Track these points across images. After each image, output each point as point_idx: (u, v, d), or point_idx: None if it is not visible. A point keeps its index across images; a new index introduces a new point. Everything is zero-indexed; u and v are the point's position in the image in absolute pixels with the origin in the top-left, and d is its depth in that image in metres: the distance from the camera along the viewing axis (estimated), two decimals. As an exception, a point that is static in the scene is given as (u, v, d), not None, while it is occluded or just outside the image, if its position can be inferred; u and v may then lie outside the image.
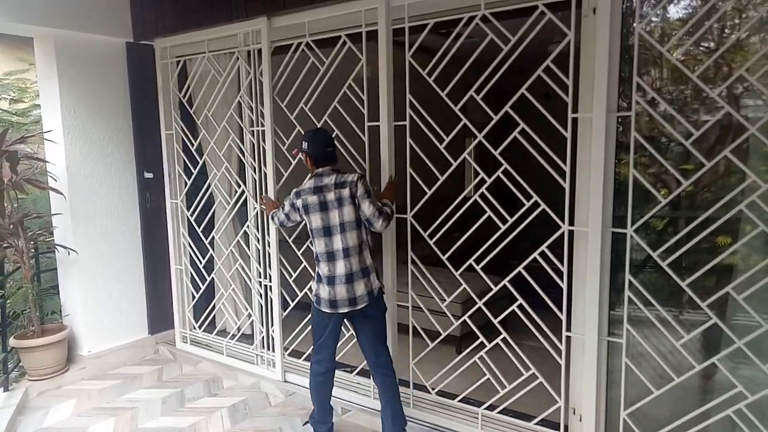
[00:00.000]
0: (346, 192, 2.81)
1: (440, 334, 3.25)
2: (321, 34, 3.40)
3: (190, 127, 4.31)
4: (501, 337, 3.01)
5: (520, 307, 2.91)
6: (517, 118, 2.81)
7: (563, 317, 2.76)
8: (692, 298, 2.39)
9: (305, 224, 2.98)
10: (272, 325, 3.93)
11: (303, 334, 3.71)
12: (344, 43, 3.30)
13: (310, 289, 3.07)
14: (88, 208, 4.25)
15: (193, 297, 4.51)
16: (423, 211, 3.21)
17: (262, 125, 3.76)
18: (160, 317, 4.67)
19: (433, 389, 3.29)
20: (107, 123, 4.33)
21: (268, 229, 3.85)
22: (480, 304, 3.04)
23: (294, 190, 2.99)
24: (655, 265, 2.48)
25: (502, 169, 2.92)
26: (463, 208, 3.14)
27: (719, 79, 2.36)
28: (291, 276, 3.77)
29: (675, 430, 2.53)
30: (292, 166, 3.59)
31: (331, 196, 2.83)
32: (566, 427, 2.86)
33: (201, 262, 4.33)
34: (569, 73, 2.59)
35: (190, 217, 4.37)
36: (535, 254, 2.81)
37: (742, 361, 2.35)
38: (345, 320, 3.00)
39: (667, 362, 2.52)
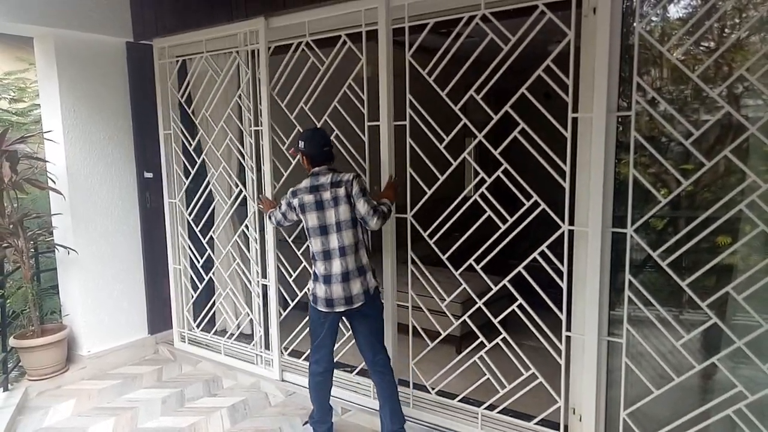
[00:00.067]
0: (341, 191, 2.81)
1: (440, 334, 3.25)
2: (321, 33, 3.40)
3: (189, 128, 4.31)
4: (501, 337, 3.01)
5: (520, 307, 2.91)
6: (517, 117, 2.81)
7: (563, 317, 2.76)
8: (692, 297, 2.39)
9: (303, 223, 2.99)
10: (270, 324, 3.93)
11: (302, 335, 3.71)
12: (344, 42, 3.30)
13: (308, 288, 3.07)
14: (88, 208, 4.25)
15: (192, 297, 4.52)
16: (423, 211, 3.21)
17: (261, 125, 3.76)
18: (160, 317, 4.67)
19: (433, 389, 3.29)
20: (107, 123, 4.33)
21: (265, 228, 3.85)
22: (480, 304, 3.04)
23: (291, 189, 2.99)
24: (655, 264, 2.48)
25: (502, 168, 2.92)
26: (463, 208, 3.14)
27: (719, 78, 2.36)
28: (291, 276, 3.77)
29: (675, 430, 2.53)
30: (291, 166, 3.59)
31: (327, 195, 2.84)
32: (566, 427, 2.86)
33: (199, 262, 4.34)
34: (569, 73, 2.59)
35: (188, 217, 4.37)
36: (535, 254, 2.81)
37: (742, 360, 2.35)
38: (343, 319, 3.00)
39: (667, 362, 2.52)
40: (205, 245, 4.29)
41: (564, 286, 2.74)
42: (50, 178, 4.10)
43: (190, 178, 4.33)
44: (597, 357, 2.68)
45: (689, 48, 2.42)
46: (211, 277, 4.33)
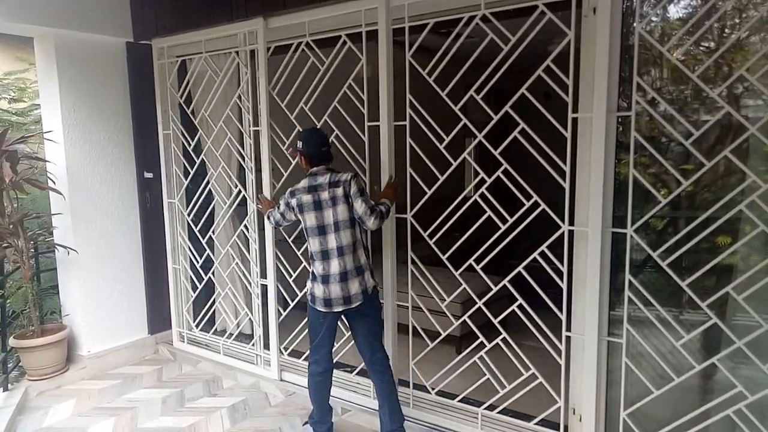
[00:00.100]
0: (339, 191, 2.82)
1: (440, 334, 3.24)
2: (321, 33, 3.40)
3: (190, 128, 4.31)
4: (501, 337, 3.01)
5: (520, 307, 2.91)
6: (517, 118, 2.81)
7: (563, 317, 2.76)
8: (692, 298, 2.39)
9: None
10: (269, 324, 3.93)
11: (302, 335, 3.71)
12: (344, 43, 3.30)
13: (307, 288, 3.07)
14: (89, 208, 4.25)
15: (192, 297, 4.52)
16: (423, 211, 3.21)
17: (260, 125, 3.76)
18: (159, 317, 4.67)
19: (433, 389, 3.29)
20: (107, 123, 4.33)
21: (265, 228, 3.85)
22: (480, 304, 3.04)
23: (289, 189, 3.00)
24: (655, 265, 2.48)
25: (502, 169, 2.92)
26: (463, 208, 3.14)
27: (719, 78, 2.36)
28: (291, 276, 3.77)
29: (675, 430, 2.53)
30: (291, 167, 3.59)
31: (325, 195, 2.84)
32: (566, 427, 2.86)
33: (198, 262, 4.34)
34: (569, 73, 2.59)
35: (187, 217, 4.38)
36: (535, 254, 2.81)
37: (742, 361, 2.35)
38: (342, 319, 3.00)
39: (667, 362, 2.52)
40: (205, 245, 4.29)
41: (564, 286, 2.74)
42: (50, 178, 4.11)
43: (189, 178, 4.34)
44: (597, 357, 2.68)
45: (689, 48, 2.42)
46: (211, 277, 4.33)
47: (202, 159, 4.25)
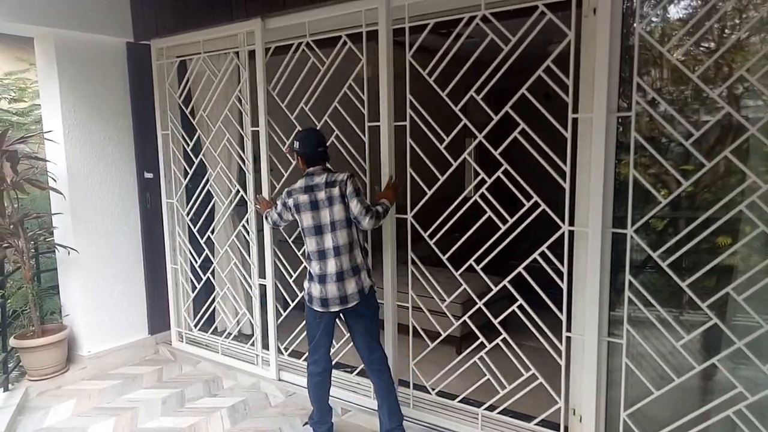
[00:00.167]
0: (336, 191, 2.83)
1: (440, 335, 3.24)
2: (321, 34, 3.40)
3: (190, 128, 4.31)
4: (501, 337, 3.01)
5: (520, 307, 2.91)
6: (517, 118, 2.81)
7: (563, 318, 2.76)
8: (692, 298, 2.39)
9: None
10: (268, 324, 3.94)
11: (302, 335, 3.71)
12: (345, 43, 3.30)
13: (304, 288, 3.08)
14: (89, 208, 4.25)
15: (192, 296, 4.52)
16: (423, 211, 3.21)
17: (258, 126, 3.77)
18: (160, 317, 4.67)
19: (433, 389, 3.29)
20: (107, 123, 4.33)
21: (264, 228, 3.86)
22: (480, 304, 3.04)
23: (286, 189, 3.01)
24: (656, 265, 2.48)
25: (502, 169, 2.92)
26: (463, 209, 3.14)
27: (719, 79, 2.35)
28: (291, 276, 3.77)
29: (675, 431, 2.53)
30: (291, 167, 3.59)
31: (321, 195, 2.85)
32: (566, 428, 2.86)
33: (197, 262, 4.34)
34: (569, 74, 2.59)
35: (186, 217, 4.39)
36: (536, 254, 2.81)
37: (743, 361, 2.35)
38: (339, 318, 3.01)
39: (668, 363, 2.51)
40: (204, 246, 4.30)
41: (564, 286, 2.74)
42: (51, 177, 4.11)
43: (187, 178, 4.35)
44: (597, 357, 2.68)
45: (689, 49, 2.42)
46: (210, 277, 4.34)
47: (202, 159, 4.25)
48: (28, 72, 5.60)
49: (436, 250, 3.12)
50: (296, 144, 2.96)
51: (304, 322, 3.60)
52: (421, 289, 3.31)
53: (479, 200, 3.00)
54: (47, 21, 3.82)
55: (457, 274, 3.09)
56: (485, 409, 3.10)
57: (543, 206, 2.79)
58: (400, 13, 3.06)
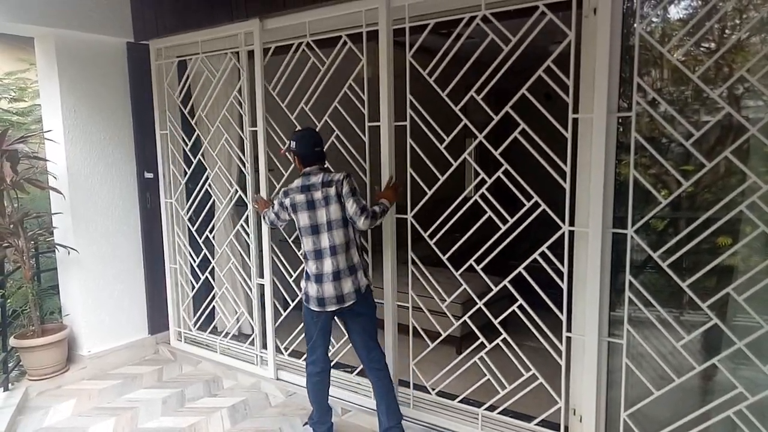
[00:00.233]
0: (332, 191, 2.83)
1: (440, 335, 3.24)
2: (321, 34, 3.40)
3: (190, 128, 4.31)
4: (501, 337, 3.01)
5: (521, 307, 2.91)
6: (517, 118, 2.81)
7: (563, 318, 2.76)
8: (693, 298, 2.39)
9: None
10: (266, 323, 3.95)
11: (302, 335, 3.70)
12: (345, 43, 3.30)
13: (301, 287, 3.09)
14: (89, 208, 4.25)
15: (193, 296, 4.53)
16: (423, 212, 3.21)
17: (256, 126, 3.77)
18: (160, 317, 4.67)
19: (433, 390, 3.29)
20: (108, 123, 4.33)
21: (262, 228, 3.86)
22: (480, 304, 3.04)
23: (283, 189, 3.02)
24: (656, 265, 2.48)
25: (502, 169, 2.92)
26: (464, 209, 3.14)
27: (720, 79, 2.35)
28: (291, 276, 3.77)
29: (675, 431, 2.53)
30: (292, 167, 3.59)
31: (318, 194, 2.86)
32: (566, 428, 2.86)
33: (195, 261, 4.35)
34: (570, 74, 2.59)
35: (184, 217, 4.40)
36: (536, 255, 2.81)
37: (743, 362, 2.35)
38: (336, 318, 3.02)
39: (668, 363, 2.51)
40: (203, 245, 4.30)
41: (564, 286, 2.74)
42: (52, 176, 4.11)
43: (186, 177, 4.36)
44: (597, 358, 2.67)
45: (690, 49, 2.42)
46: (209, 277, 4.34)
47: (201, 159, 4.25)
48: (28, 72, 5.60)
49: (436, 250, 3.12)
50: (293, 144, 2.97)
51: (302, 322, 3.61)
52: (421, 289, 3.31)
53: (479, 200, 3.00)
54: (47, 21, 3.82)
55: (457, 274, 3.09)
56: (485, 409, 3.10)
57: (543, 206, 2.79)
58: (401, 14, 3.06)
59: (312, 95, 3.50)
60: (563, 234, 2.72)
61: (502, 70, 2.80)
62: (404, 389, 3.36)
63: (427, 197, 3.12)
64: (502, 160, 2.94)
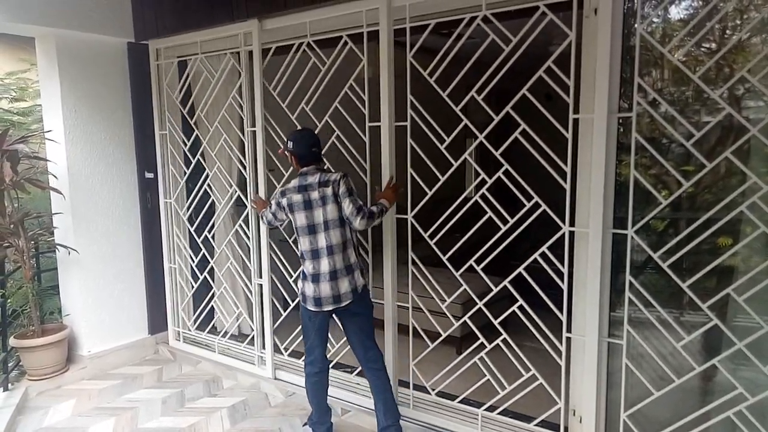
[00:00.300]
0: (329, 190, 2.84)
1: (440, 335, 3.24)
2: (322, 34, 3.40)
3: (190, 128, 4.31)
4: (501, 338, 3.01)
5: (521, 308, 2.91)
6: (518, 118, 2.81)
7: (563, 318, 2.76)
8: (693, 299, 2.39)
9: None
10: (264, 323, 3.95)
11: (302, 336, 3.70)
12: (345, 43, 3.30)
13: (298, 287, 3.09)
14: (89, 208, 4.25)
15: (192, 296, 4.53)
16: (423, 212, 3.21)
17: (255, 126, 3.78)
18: (160, 317, 4.67)
19: (433, 390, 3.29)
20: (108, 123, 4.34)
21: (261, 228, 3.86)
22: (480, 305, 3.03)
23: (280, 189, 3.03)
24: (656, 266, 2.47)
25: (502, 170, 2.91)
26: (464, 209, 3.14)
27: (720, 80, 2.35)
28: (291, 276, 3.77)
29: (675, 432, 2.53)
30: (291, 169, 3.58)
31: (315, 194, 2.86)
32: (566, 429, 2.86)
33: (194, 261, 4.35)
34: (570, 74, 2.59)
35: (183, 217, 4.40)
36: (536, 255, 2.81)
37: (743, 362, 2.35)
38: (333, 318, 3.02)
39: (668, 364, 2.51)
40: (203, 245, 4.30)
41: (564, 287, 2.74)
42: (52, 176, 4.11)
43: (185, 177, 4.37)
44: (597, 358, 2.67)
45: (690, 49, 2.42)
46: (207, 277, 4.34)
47: (203, 159, 4.26)
48: (29, 72, 5.61)
49: (437, 250, 3.12)
50: (290, 144, 2.98)
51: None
52: (421, 290, 3.31)
53: (480, 200, 3.00)
54: (48, 21, 3.83)
55: (457, 275, 3.09)
56: (485, 409, 3.10)
57: (543, 207, 2.79)
58: (401, 14, 3.06)
59: (313, 95, 3.50)
60: (563, 234, 2.71)
61: (503, 71, 2.79)
62: (404, 389, 3.35)
63: (427, 197, 3.11)
64: (502, 161, 2.94)
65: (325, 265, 2.87)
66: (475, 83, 2.92)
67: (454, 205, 3.10)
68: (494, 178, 2.96)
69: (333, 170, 3.05)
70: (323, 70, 3.41)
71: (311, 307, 2.92)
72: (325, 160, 3.40)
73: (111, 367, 4.36)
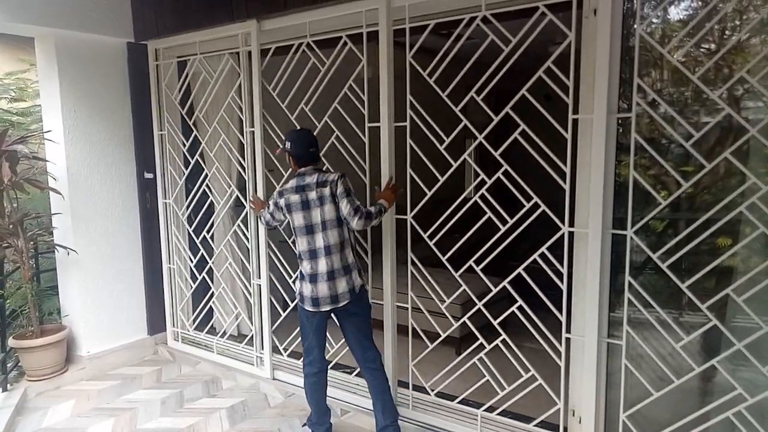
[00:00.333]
0: (327, 191, 2.84)
1: (440, 336, 3.24)
2: (321, 34, 3.40)
3: (190, 129, 4.31)
4: (501, 338, 3.01)
5: (520, 308, 2.91)
6: (517, 119, 2.82)
7: (563, 319, 2.76)
8: (692, 300, 2.39)
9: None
10: (263, 323, 3.95)
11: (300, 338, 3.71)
12: (345, 43, 3.30)
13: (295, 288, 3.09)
14: (89, 209, 4.25)
15: (191, 297, 4.53)
16: (423, 212, 3.21)
17: (254, 126, 3.78)
18: (159, 318, 4.66)
19: (433, 390, 3.28)
20: (108, 123, 4.33)
21: (259, 228, 3.86)
22: (480, 305, 3.03)
23: (277, 189, 3.03)
24: (655, 266, 2.47)
25: (502, 170, 2.91)
26: (463, 209, 3.14)
27: (720, 80, 2.36)
28: (291, 277, 3.77)
29: (675, 433, 2.53)
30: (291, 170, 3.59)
31: (312, 195, 2.87)
32: (566, 429, 2.85)
33: (193, 262, 4.35)
34: (570, 75, 2.59)
35: (182, 218, 4.40)
36: (535, 256, 2.81)
37: (742, 363, 2.35)
38: (333, 316, 3.02)
39: (667, 364, 2.51)
40: (201, 245, 4.30)
41: (564, 287, 2.73)
42: (51, 177, 4.10)
43: (184, 177, 4.37)
44: (597, 359, 2.67)
45: (690, 50, 2.42)
46: (206, 277, 4.34)
47: (201, 160, 4.26)
48: (28, 72, 5.61)
49: (436, 250, 3.12)
50: (288, 144, 2.98)
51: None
52: (420, 290, 3.30)
53: (479, 201, 3.00)
54: (47, 21, 3.82)
55: (456, 275, 3.09)
56: (484, 410, 3.09)
57: (543, 207, 2.79)
58: (401, 14, 3.06)
59: (312, 96, 3.50)
60: (563, 235, 2.71)
61: (502, 71, 2.80)
62: (403, 390, 3.35)
63: (426, 198, 3.11)
64: (501, 161, 2.93)
65: (322, 265, 2.87)
66: (474, 84, 2.93)
67: (454, 206, 3.10)
68: (494, 178, 2.96)
69: (332, 170, 3.05)
70: (323, 70, 3.41)
71: (309, 308, 2.92)
72: (324, 160, 3.42)
73: (110, 368, 4.36)
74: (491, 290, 3.02)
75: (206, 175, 4.22)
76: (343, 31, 3.30)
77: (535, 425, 2.94)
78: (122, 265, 4.47)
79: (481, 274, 3.03)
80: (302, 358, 3.13)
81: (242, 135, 3.92)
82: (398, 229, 3.28)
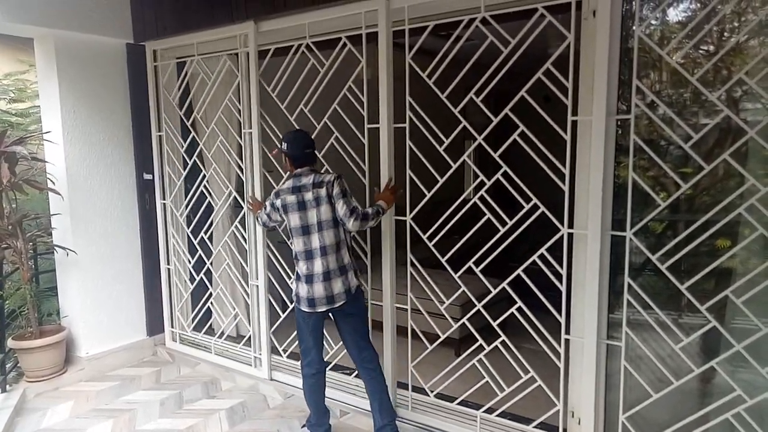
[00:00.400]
0: (323, 191, 2.85)
1: (439, 337, 3.24)
2: (321, 35, 3.40)
3: (189, 130, 4.31)
4: (500, 339, 3.00)
5: (519, 309, 2.91)
6: (516, 120, 2.82)
7: (562, 320, 2.76)
8: (691, 301, 2.39)
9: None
10: (260, 324, 3.95)
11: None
12: (344, 45, 3.30)
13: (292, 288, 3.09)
14: (88, 209, 4.25)
15: (189, 298, 4.52)
16: (422, 213, 3.21)
17: (251, 127, 3.78)
18: (158, 319, 4.66)
19: (432, 392, 3.28)
20: (107, 124, 4.33)
21: (256, 229, 3.86)
22: (479, 306, 3.03)
23: (274, 190, 3.04)
24: (655, 268, 2.48)
25: (501, 171, 2.91)
26: (463, 211, 3.14)
27: (718, 82, 2.36)
28: (290, 278, 3.76)
29: (674, 434, 2.53)
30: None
31: (309, 195, 2.87)
32: (565, 430, 2.85)
33: (191, 262, 4.35)
34: (569, 76, 2.59)
35: (180, 218, 4.40)
36: (535, 257, 2.81)
37: (741, 364, 2.35)
38: (331, 316, 3.02)
39: (666, 366, 2.51)
40: (199, 246, 4.30)
41: (563, 289, 2.73)
42: (50, 179, 4.10)
43: (182, 178, 4.36)
44: (596, 360, 2.67)
45: (688, 51, 2.42)
46: (204, 278, 4.34)
47: (201, 161, 4.26)
48: (27, 73, 5.61)
49: (435, 252, 3.12)
50: (284, 145, 2.99)
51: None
52: (420, 291, 3.30)
53: (478, 202, 3.00)
54: (47, 21, 3.82)
55: (456, 277, 3.09)
56: (484, 411, 3.09)
57: (542, 208, 2.79)
58: (400, 15, 3.06)
59: (311, 97, 3.50)
60: (562, 236, 2.71)
61: (502, 73, 2.80)
62: (403, 391, 3.35)
63: (426, 199, 3.11)
64: (501, 162, 2.93)
65: (318, 265, 2.87)
66: (473, 85, 2.93)
67: (453, 207, 3.10)
68: (493, 179, 2.96)
69: (330, 172, 3.05)
70: (322, 71, 3.41)
71: (305, 308, 2.93)
72: (323, 161, 3.42)
73: (109, 369, 4.36)
74: (491, 291, 3.02)
75: (204, 176, 4.22)
76: (342, 32, 3.30)
77: (535, 427, 2.94)
78: (121, 265, 4.46)
79: (481, 276, 3.03)
80: (300, 360, 3.13)
81: (240, 136, 3.92)
82: (398, 231, 3.28)
